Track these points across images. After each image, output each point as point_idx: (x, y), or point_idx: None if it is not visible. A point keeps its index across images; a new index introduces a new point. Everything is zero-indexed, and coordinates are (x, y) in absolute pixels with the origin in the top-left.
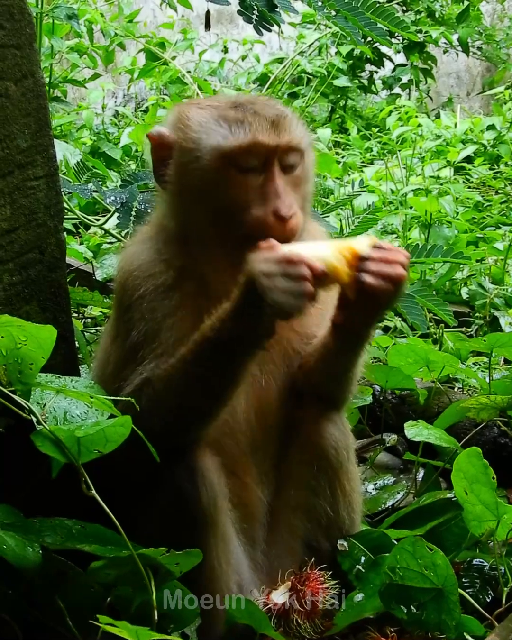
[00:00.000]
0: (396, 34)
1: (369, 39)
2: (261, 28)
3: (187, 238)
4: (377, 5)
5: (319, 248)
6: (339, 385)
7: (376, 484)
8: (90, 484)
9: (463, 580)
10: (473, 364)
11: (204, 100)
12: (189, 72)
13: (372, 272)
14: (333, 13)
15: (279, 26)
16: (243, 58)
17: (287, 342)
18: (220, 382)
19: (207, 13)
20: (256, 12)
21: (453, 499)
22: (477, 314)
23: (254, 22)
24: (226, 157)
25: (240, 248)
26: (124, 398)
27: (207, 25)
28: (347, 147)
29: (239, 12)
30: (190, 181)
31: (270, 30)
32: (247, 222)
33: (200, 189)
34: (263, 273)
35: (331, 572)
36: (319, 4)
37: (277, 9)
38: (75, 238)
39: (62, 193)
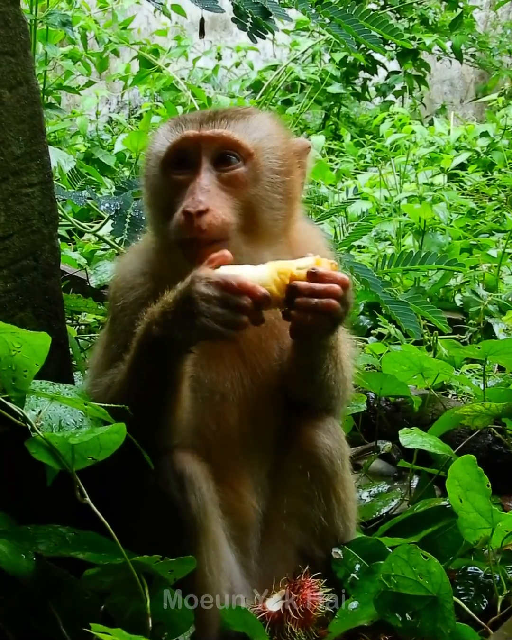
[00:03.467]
0: (390, 41)
1: (362, 46)
2: (255, 35)
3: (164, 250)
4: (371, 13)
5: (258, 271)
6: (312, 389)
7: (370, 491)
8: (85, 491)
9: (458, 588)
10: (467, 371)
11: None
12: (182, 79)
13: (300, 305)
14: (327, 21)
15: (273, 34)
16: (237, 65)
17: (277, 353)
18: (154, 383)
19: (201, 20)
20: (250, 19)
21: (448, 507)
22: (471, 321)
23: (249, 30)
24: (163, 160)
25: (190, 257)
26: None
27: (201, 33)
28: (341, 154)
29: (233, 19)
30: (146, 190)
31: (264, 38)
32: (171, 226)
33: (150, 195)
34: (202, 296)
35: (325, 580)
36: (313, 11)
37: (271, 17)
38: (69, 245)
39: (56, 200)
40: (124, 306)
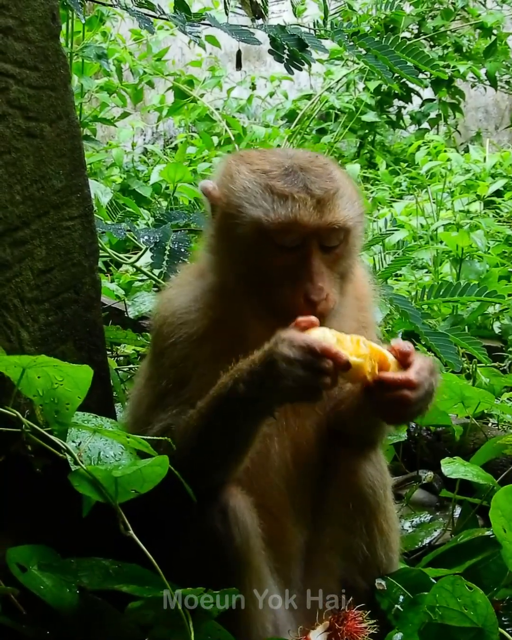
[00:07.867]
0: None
1: (397, 75)
2: (291, 67)
3: (225, 291)
4: (406, 43)
5: (350, 344)
6: (370, 432)
7: (413, 521)
8: (128, 525)
9: (503, 618)
10: (508, 399)
11: (257, 156)
12: (217, 109)
13: (380, 402)
14: (363, 52)
15: (310, 65)
16: (271, 94)
17: None
18: (231, 438)
19: (238, 53)
20: (286, 51)
21: (491, 537)
22: (509, 349)
23: (285, 61)
24: (265, 233)
25: (275, 316)
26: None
27: (238, 65)
28: (376, 182)
29: (270, 51)
30: (230, 245)
31: (301, 69)
32: (278, 298)
33: (238, 255)
34: (284, 358)
35: (368, 612)
36: (350, 43)
37: (308, 48)
38: (107, 276)
39: (96, 232)
40: (176, 342)
